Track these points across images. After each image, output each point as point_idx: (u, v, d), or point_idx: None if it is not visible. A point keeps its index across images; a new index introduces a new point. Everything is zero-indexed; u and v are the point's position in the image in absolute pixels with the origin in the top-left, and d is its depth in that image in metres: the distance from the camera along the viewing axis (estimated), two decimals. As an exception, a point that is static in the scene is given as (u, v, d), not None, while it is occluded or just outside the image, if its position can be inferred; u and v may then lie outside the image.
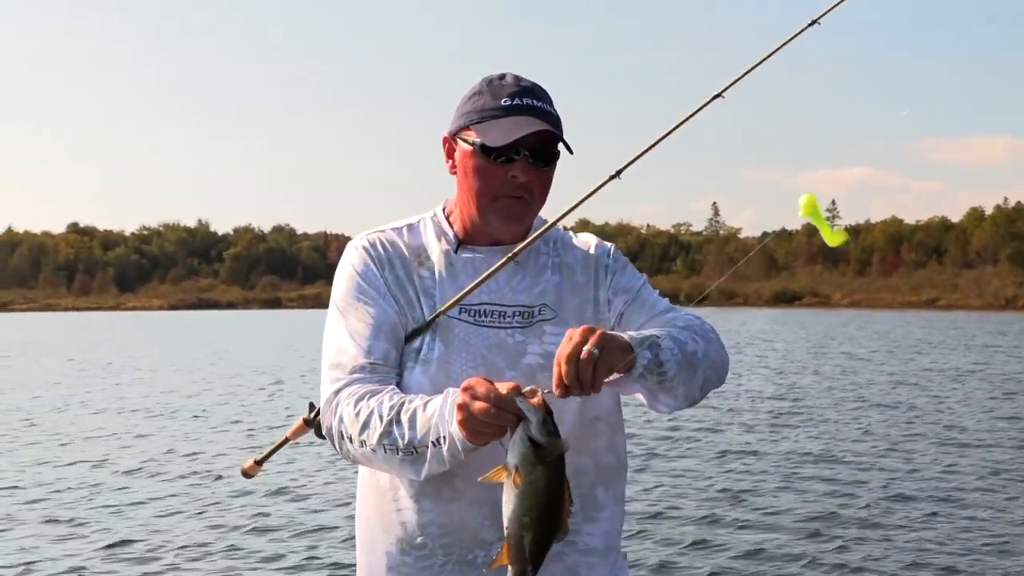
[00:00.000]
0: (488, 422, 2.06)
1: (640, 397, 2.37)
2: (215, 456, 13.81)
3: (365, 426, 2.25)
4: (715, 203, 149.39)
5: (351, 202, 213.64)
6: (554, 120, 2.41)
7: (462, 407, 2.09)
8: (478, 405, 2.06)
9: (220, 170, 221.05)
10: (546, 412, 2.06)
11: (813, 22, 2.69)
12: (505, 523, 2.08)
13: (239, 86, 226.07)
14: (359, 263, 2.46)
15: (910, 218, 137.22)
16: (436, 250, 2.48)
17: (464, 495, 2.34)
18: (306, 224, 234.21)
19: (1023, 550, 8.87)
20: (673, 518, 9.81)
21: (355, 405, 2.28)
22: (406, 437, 2.19)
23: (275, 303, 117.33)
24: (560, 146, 2.44)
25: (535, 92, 2.43)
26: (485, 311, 2.42)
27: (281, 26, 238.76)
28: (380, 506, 2.45)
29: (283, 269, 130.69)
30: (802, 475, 12.00)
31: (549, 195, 2.47)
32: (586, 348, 2.10)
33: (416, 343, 2.39)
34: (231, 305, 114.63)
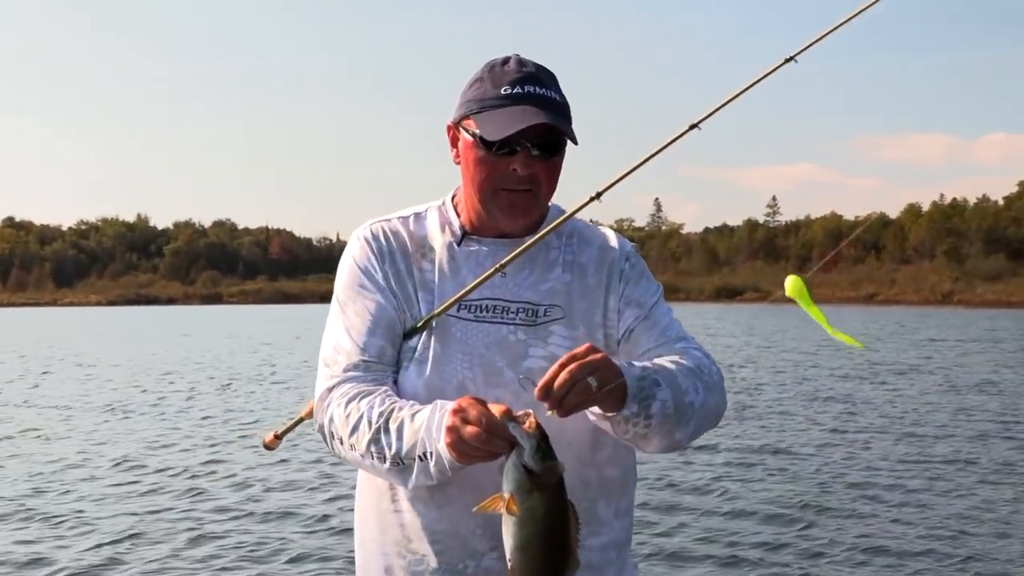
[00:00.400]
0: (478, 447, 1.97)
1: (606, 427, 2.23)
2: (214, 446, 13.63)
3: (354, 430, 2.18)
4: (657, 199, 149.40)
5: (292, 197, 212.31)
6: (559, 108, 2.29)
7: (452, 430, 2.00)
8: (469, 430, 1.97)
9: (160, 164, 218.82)
10: (540, 437, 1.96)
11: (789, 59, 2.57)
12: (508, 556, 1.99)
13: (178, 79, 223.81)
14: (360, 255, 2.38)
15: (850, 214, 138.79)
16: (439, 242, 2.38)
17: (456, 501, 2.24)
18: (247, 219, 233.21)
19: (979, 535, 9.05)
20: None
21: (346, 406, 2.21)
22: (393, 447, 2.12)
23: (216, 298, 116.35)
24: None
25: (538, 78, 2.30)
26: (487, 306, 2.31)
27: (220, 20, 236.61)
28: (378, 504, 2.37)
29: (223, 264, 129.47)
30: (759, 467, 12.10)
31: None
32: (590, 378, 2.01)
33: (412, 341, 2.30)
34: (171, 300, 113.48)
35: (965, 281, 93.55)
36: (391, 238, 2.39)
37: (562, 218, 2.38)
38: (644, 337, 2.35)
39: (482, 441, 1.96)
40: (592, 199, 2.42)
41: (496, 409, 1.98)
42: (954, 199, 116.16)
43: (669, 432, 2.17)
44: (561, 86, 2.36)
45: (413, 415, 2.12)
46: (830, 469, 12.10)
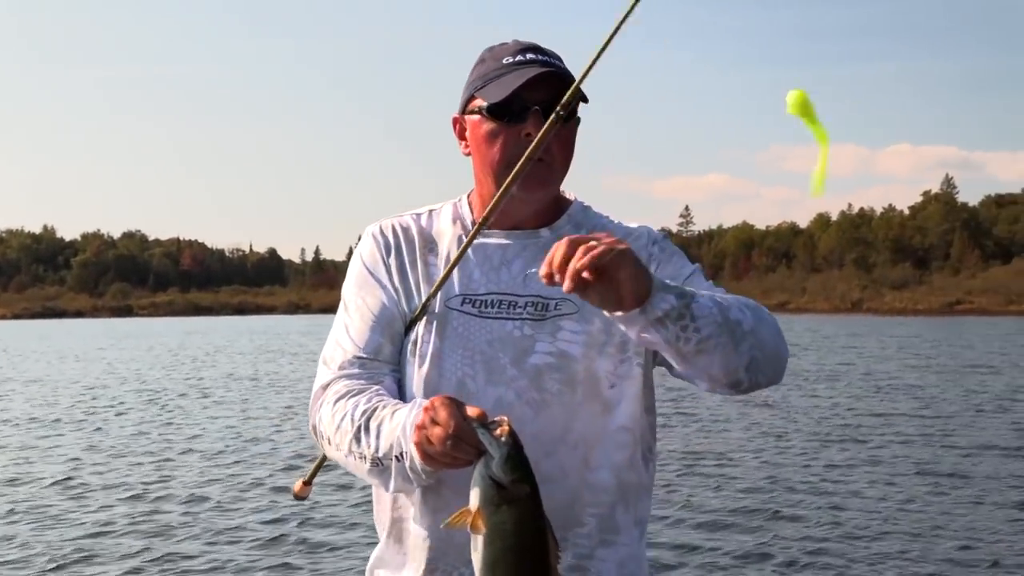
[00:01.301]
0: (444, 452, 1.85)
1: (676, 367, 2.06)
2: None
3: (338, 429, 2.09)
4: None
5: (205, 207, 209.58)
6: (564, 72, 2.17)
7: (420, 428, 1.89)
8: (436, 432, 1.85)
9: (67, 174, 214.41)
10: (512, 447, 1.81)
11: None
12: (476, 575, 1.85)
13: (85, 87, 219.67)
14: (366, 251, 2.31)
15: (761, 224, 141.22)
16: (448, 235, 2.28)
17: (451, 505, 2.06)
18: (158, 230, 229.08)
19: (903, 534, 9.29)
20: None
21: (334, 405, 2.13)
22: (372, 447, 2.02)
23: (126, 311, 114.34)
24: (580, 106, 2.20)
25: (539, 49, 2.22)
26: (492, 301, 2.18)
27: (133, 28, 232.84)
28: (382, 502, 2.31)
29: (134, 276, 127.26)
30: (691, 473, 12.31)
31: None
32: (606, 241, 1.83)
33: (412, 335, 2.20)
34: (79, 314, 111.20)
35: (873, 289, 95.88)
36: (399, 233, 2.30)
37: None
38: None
39: (448, 445, 1.84)
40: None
41: (472, 412, 1.85)
42: (861, 209, 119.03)
43: (724, 348, 1.96)
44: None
45: (393, 413, 2.02)
46: (786, 476, 12.33)
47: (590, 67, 2.11)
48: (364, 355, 2.20)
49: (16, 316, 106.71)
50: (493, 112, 2.16)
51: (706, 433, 15.82)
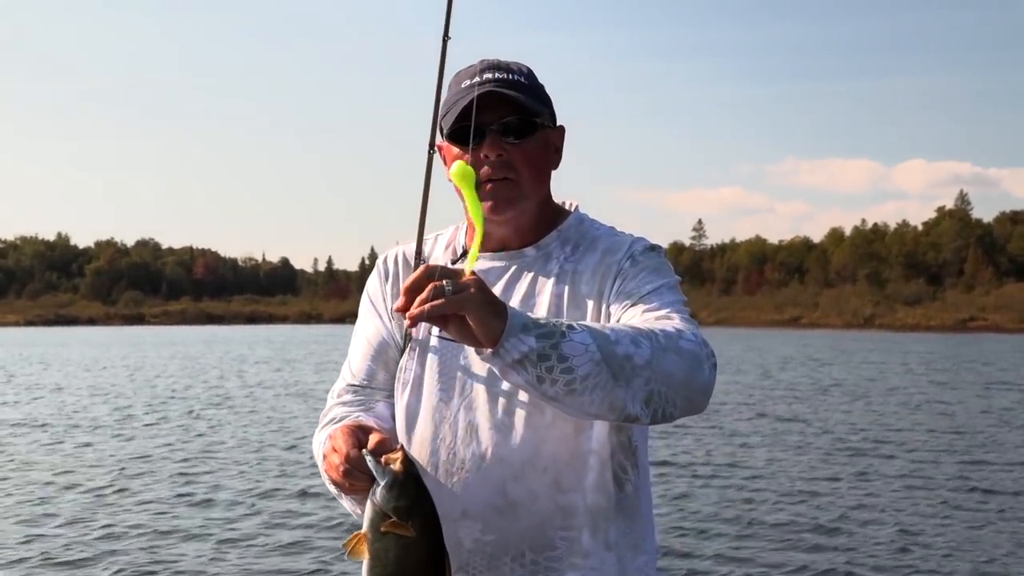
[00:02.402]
0: (341, 480, 1.93)
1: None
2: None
3: (319, 455, 2.16)
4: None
5: (219, 216, 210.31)
6: (522, 87, 2.17)
7: (324, 457, 1.99)
8: (333, 460, 1.94)
9: (82, 182, 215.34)
10: (400, 474, 1.83)
11: None
12: None
13: (99, 96, 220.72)
14: (371, 280, 2.38)
15: (774, 238, 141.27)
16: (441, 261, 2.29)
17: (454, 504, 2.14)
18: (171, 239, 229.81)
19: (936, 548, 9.45)
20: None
21: (321, 431, 2.22)
22: (323, 474, 2.09)
23: (138, 319, 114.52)
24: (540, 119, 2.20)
25: (500, 65, 2.20)
26: None
27: (149, 34, 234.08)
28: None
29: (147, 284, 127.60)
30: (708, 484, 12.44)
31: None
32: (446, 281, 1.79)
33: (401, 363, 2.25)
34: (91, 321, 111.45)
35: (886, 305, 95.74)
36: (399, 263, 2.35)
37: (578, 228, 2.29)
38: (612, 310, 2.16)
39: (341, 472, 1.91)
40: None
41: (373, 440, 1.93)
42: (875, 224, 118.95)
43: (607, 387, 1.85)
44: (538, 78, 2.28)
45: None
46: (778, 486, 12.46)
47: (531, 85, 2.20)
48: (358, 383, 2.30)
49: (29, 323, 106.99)
50: (453, 138, 2.18)
51: (727, 443, 15.98)
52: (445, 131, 2.19)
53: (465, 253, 2.28)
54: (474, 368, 2.15)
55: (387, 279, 2.35)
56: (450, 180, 2.14)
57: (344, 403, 2.28)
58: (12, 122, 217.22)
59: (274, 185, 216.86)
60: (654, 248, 2.23)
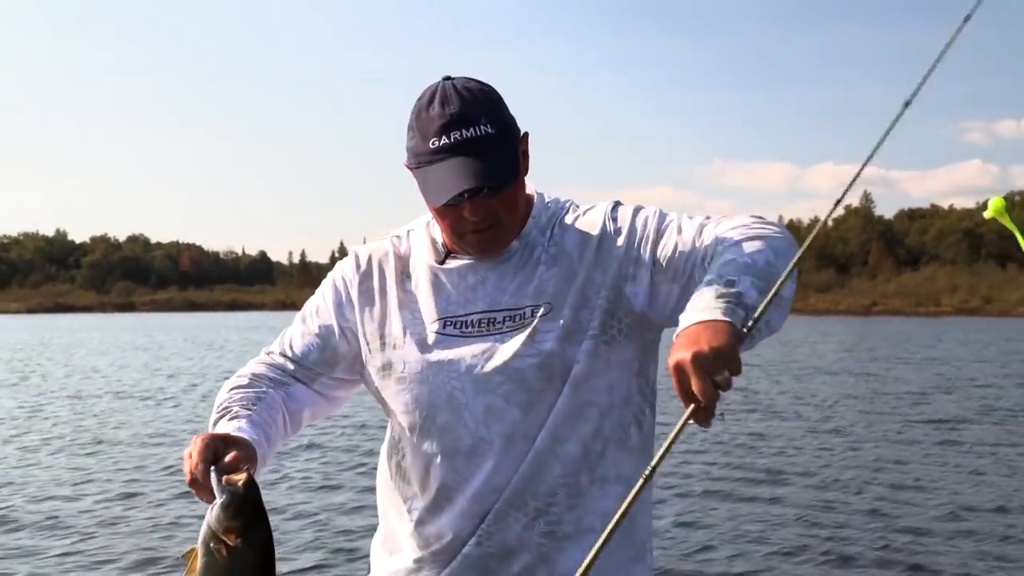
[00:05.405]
0: (188, 484, 1.78)
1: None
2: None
3: (216, 404, 2.07)
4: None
5: (202, 214, 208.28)
6: (491, 144, 1.96)
7: (184, 456, 1.82)
8: (185, 468, 1.79)
9: (78, 183, 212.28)
10: (234, 497, 1.68)
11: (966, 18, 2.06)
12: None
13: (92, 102, 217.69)
14: (345, 267, 2.22)
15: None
16: (424, 260, 2.14)
17: (443, 486, 2.08)
18: (159, 234, 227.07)
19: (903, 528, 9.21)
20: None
21: (233, 379, 2.14)
22: None
23: (129, 307, 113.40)
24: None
25: (464, 116, 1.95)
26: (472, 321, 2.06)
27: (138, 39, 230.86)
28: (378, 485, 2.29)
29: (137, 276, 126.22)
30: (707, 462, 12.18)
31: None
32: (718, 375, 1.63)
33: (395, 359, 2.10)
34: (87, 308, 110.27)
35: (800, 292, 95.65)
36: (375, 261, 2.19)
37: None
38: (671, 257, 2.00)
39: (188, 481, 1.77)
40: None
41: (230, 456, 1.78)
42: (791, 220, 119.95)
43: (782, 305, 1.84)
44: (499, 94, 2.04)
45: (224, 426, 1.97)
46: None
47: (511, 135, 2.02)
48: (290, 353, 2.17)
49: (30, 310, 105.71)
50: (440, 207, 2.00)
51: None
52: (431, 204, 2.00)
53: (449, 252, 2.11)
54: (485, 359, 2.02)
55: (361, 272, 2.18)
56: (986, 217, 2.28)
57: (267, 364, 2.17)
58: (13, 128, 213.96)
59: (253, 184, 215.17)
60: (620, 205, 2.14)
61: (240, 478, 1.69)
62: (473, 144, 1.94)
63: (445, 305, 2.08)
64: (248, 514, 1.67)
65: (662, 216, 2.07)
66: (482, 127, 1.95)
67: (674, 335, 1.72)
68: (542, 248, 2.08)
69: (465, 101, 1.95)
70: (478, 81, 2.02)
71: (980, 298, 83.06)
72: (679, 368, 1.64)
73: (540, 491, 2.01)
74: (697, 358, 1.62)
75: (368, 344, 2.13)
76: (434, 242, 2.14)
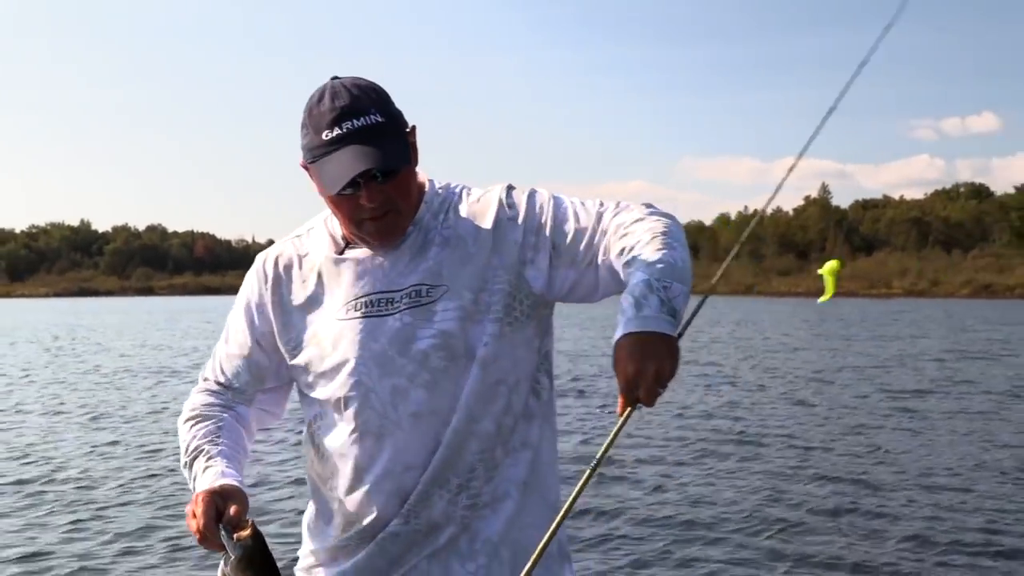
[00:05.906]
0: (198, 542, 1.81)
1: None
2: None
3: (183, 448, 2.04)
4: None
5: (216, 204, 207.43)
6: (382, 131, 1.91)
7: (187, 514, 1.84)
8: (191, 525, 1.81)
9: (101, 176, 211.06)
10: (249, 548, 1.73)
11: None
12: None
13: (114, 105, 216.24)
14: (249, 282, 2.14)
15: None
16: (323, 255, 2.06)
17: (372, 464, 2.02)
18: (176, 223, 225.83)
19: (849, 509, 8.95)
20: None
21: (185, 423, 2.08)
22: (191, 484, 1.96)
23: (148, 291, 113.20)
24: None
25: (354, 109, 1.90)
26: (372, 301, 1.98)
27: (151, 36, 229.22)
28: (308, 465, 2.19)
29: (155, 262, 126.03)
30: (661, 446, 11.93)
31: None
32: (654, 367, 1.69)
33: (304, 358, 2.04)
34: (109, 292, 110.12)
35: (763, 276, 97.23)
36: (279, 264, 2.11)
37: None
38: (571, 244, 1.98)
39: (198, 540, 1.80)
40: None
41: (232, 510, 1.80)
42: (755, 210, 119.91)
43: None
44: (385, 91, 1.99)
45: (204, 469, 1.94)
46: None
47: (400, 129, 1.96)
48: (223, 380, 2.13)
49: (57, 295, 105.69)
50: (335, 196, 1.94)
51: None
52: (328, 193, 1.94)
53: (348, 243, 2.04)
54: (386, 339, 1.96)
55: (267, 282, 2.09)
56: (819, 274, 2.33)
57: (210, 392, 2.13)
58: (40, 126, 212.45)
59: (264, 175, 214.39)
60: (513, 188, 2.08)
61: (247, 533, 1.74)
62: (364, 132, 1.89)
63: (347, 289, 2.02)
64: (258, 564, 1.74)
65: (558, 202, 2.02)
66: (372, 116, 1.90)
67: (623, 331, 1.73)
68: (436, 231, 2.01)
69: (354, 96, 1.91)
70: (365, 79, 1.98)
71: (927, 281, 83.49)
72: (633, 378, 1.68)
73: (460, 468, 1.97)
74: (657, 375, 1.68)
75: (284, 348, 2.07)
76: (333, 236, 2.07)
